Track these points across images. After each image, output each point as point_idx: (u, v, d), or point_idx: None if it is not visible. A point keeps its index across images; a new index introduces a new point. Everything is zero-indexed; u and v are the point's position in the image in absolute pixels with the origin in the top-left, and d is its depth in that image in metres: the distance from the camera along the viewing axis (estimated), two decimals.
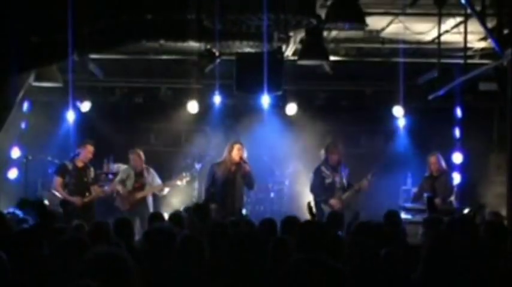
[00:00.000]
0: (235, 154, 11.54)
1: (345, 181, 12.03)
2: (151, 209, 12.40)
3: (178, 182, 12.66)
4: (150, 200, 12.65)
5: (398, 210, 9.80)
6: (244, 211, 11.38)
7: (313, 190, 12.12)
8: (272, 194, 13.56)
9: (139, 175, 12.58)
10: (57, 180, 12.05)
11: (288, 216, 8.22)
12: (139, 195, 12.46)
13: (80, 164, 12.14)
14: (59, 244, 5.18)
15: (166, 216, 8.79)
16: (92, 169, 12.30)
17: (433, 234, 5.19)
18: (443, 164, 12.25)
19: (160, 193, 12.83)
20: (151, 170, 12.71)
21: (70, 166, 12.11)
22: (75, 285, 3.12)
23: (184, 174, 12.71)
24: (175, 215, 8.29)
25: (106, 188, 12.73)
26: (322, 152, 12.50)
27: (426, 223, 7.92)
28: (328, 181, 11.96)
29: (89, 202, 12.07)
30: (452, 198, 11.97)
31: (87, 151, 12.15)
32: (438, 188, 11.96)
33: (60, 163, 12.47)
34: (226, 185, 11.52)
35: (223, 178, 11.54)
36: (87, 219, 9.81)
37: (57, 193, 12.03)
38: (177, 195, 13.49)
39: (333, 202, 11.80)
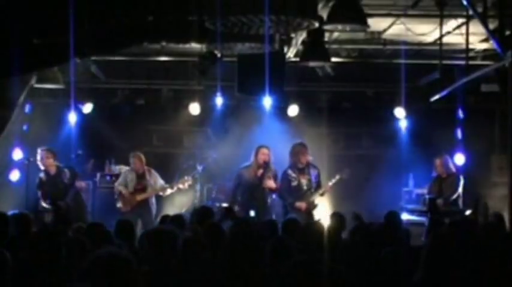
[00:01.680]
0: (260, 158, 11.67)
1: (314, 182, 11.86)
2: (154, 211, 12.45)
3: (181, 186, 12.71)
4: (153, 201, 12.67)
5: (399, 211, 9.80)
6: (252, 213, 11.40)
7: (279, 194, 11.98)
8: (274, 196, 13.51)
9: (141, 176, 12.63)
10: None
11: (289, 218, 8.26)
12: (140, 197, 12.49)
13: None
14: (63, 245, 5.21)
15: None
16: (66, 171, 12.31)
17: (434, 235, 5.19)
18: (451, 166, 12.18)
19: (164, 194, 12.88)
20: (154, 172, 12.74)
21: None
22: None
23: (186, 178, 12.75)
24: (177, 217, 8.31)
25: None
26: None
27: (428, 225, 7.94)
28: (294, 183, 11.79)
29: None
30: (455, 197, 11.84)
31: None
32: (445, 190, 11.93)
33: None
34: (252, 189, 11.72)
35: (250, 181, 11.75)
36: None
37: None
38: (179, 197, 13.49)
39: (299, 204, 11.60)
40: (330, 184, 11.83)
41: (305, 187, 11.74)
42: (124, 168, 13.39)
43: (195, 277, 5.30)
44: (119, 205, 12.53)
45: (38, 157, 12.18)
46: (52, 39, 9.69)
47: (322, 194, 11.86)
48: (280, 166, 13.57)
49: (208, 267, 5.60)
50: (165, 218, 8.54)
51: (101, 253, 3.76)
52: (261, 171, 11.75)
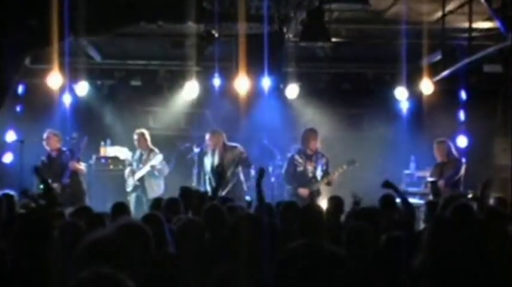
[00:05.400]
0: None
1: (320, 170, 11.89)
2: (154, 193, 12.53)
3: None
4: (155, 184, 12.80)
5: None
6: (248, 198, 11.42)
7: (285, 178, 12.08)
8: (273, 179, 13.53)
9: (142, 156, 12.79)
10: None
11: (288, 201, 8.25)
12: (137, 176, 12.71)
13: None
14: (58, 228, 5.22)
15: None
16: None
17: (435, 219, 5.20)
18: (452, 151, 12.08)
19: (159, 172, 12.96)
20: (156, 152, 12.84)
21: None
22: (89, 274, 3.10)
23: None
24: (171, 202, 8.30)
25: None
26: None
27: (427, 208, 7.93)
28: (299, 169, 11.83)
29: None
30: (456, 179, 11.80)
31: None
32: (445, 173, 11.91)
33: None
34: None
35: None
36: None
37: None
38: (175, 180, 13.48)
39: (301, 191, 11.67)
40: (337, 173, 11.86)
41: (310, 174, 11.79)
42: (120, 149, 13.42)
43: (193, 261, 5.33)
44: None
45: (44, 136, 12.22)
46: (47, 19, 9.67)
47: (328, 184, 11.89)
48: (280, 148, 13.58)
49: (207, 251, 5.62)
50: (158, 201, 8.47)
51: (96, 238, 3.77)
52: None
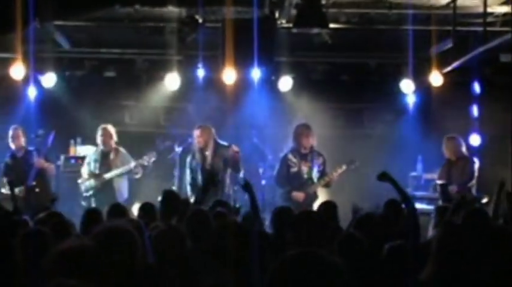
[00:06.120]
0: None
1: (316, 171, 11.93)
2: (121, 197, 12.45)
3: (145, 163, 12.69)
4: (123, 186, 12.71)
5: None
6: (235, 204, 11.41)
7: (277, 180, 12.10)
8: (263, 182, 13.55)
9: (106, 155, 12.68)
10: None
11: (281, 207, 8.27)
12: (107, 176, 12.59)
13: None
14: (22, 237, 5.23)
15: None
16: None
17: (445, 226, 5.23)
18: (462, 149, 12.18)
19: (135, 175, 12.86)
20: (123, 152, 12.78)
21: None
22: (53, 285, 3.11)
23: (149, 153, 12.73)
24: (147, 207, 8.30)
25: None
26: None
27: (437, 213, 7.97)
28: (293, 170, 11.87)
29: None
30: (471, 184, 11.90)
31: None
32: (454, 175, 11.96)
33: None
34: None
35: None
36: None
37: None
38: (154, 182, 13.49)
39: (296, 194, 11.72)
40: (336, 174, 11.87)
41: (305, 176, 11.81)
42: (92, 148, 13.41)
43: (172, 273, 5.34)
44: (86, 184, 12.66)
45: (10, 133, 12.22)
46: (9, 2, 9.66)
47: (326, 185, 11.91)
48: (272, 147, 13.60)
49: (188, 261, 5.64)
50: (114, 208, 8.34)
51: (65, 248, 3.79)
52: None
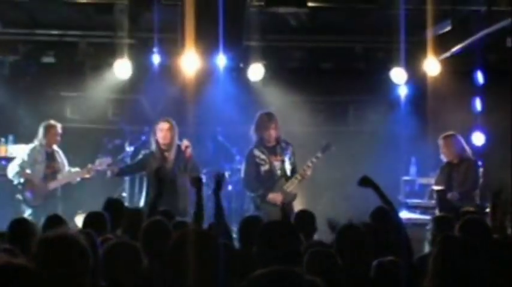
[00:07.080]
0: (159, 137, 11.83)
1: (288, 164, 11.77)
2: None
3: (99, 168, 12.58)
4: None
5: (397, 207, 9.86)
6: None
7: (246, 183, 11.87)
8: (230, 187, 13.57)
9: (51, 156, 12.60)
10: None
11: (249, 216, 8.27)
12: (53, 185, 12.48)
13: None
14: None
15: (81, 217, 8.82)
16: None
17: (442, 240, 5.24)
18: (465, 148, 12.14)
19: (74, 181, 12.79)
20: (60, 152, 12.71)
21: None
22: None
23: (90, 166, 12.58)
24: (94, 216, 8.24)
25: None
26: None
27: (434, 225, 8.00)
28: (264, 168, 11.68)
29: None
30: (475, 192, 11.90)
31: None
32: (455, 180, 11.97)
33: None
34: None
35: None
36: None
37: None
38: (100, 188, 13.42)
39: (272, 196, 11.50)
40: (310, 164, 11.65)
41: (279, 172, 11.63)
42: (27, 147, 13.31)
43: None
44: (29, 195, 12.48)
45: None
46: None
47: (300, 180, 11.74)
48: (240, 146, 13.60)
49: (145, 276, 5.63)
50: (53, 219, 8.26)
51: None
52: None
